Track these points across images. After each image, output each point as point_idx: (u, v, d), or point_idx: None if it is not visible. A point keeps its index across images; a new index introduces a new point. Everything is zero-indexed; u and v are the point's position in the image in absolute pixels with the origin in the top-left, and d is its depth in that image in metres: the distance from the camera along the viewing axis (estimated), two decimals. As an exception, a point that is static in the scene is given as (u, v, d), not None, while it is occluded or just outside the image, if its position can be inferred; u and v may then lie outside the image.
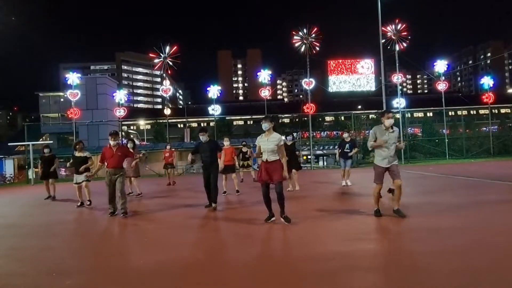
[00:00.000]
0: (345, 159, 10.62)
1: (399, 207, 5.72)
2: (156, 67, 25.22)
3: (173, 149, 15.46)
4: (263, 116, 5.81)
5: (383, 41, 23.99)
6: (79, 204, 8.70)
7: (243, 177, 13.42)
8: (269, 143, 5.57)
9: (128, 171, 10.31)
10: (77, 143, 8.97)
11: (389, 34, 24.21)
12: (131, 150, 10.19)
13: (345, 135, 11.10)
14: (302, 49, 24.23)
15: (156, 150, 28.16)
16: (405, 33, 24.43)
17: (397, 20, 24.47)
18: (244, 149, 13.35)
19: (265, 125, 5.65)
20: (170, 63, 24.50)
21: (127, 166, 8.86)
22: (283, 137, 5.62)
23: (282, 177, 5.56)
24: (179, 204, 8.64)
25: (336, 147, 13.08)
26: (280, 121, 50.59)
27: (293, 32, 24.38)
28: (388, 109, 5.90)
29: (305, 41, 24.07)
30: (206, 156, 7.37)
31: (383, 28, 24.07)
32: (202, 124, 59.40)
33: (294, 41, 24.30)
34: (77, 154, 8.71)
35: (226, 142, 10.11)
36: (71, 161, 9.16)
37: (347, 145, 10.60)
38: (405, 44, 24.41)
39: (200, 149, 7.52)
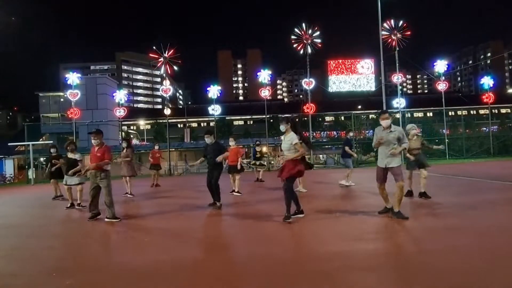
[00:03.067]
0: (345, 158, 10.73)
1: (400, 210, 5.62)
2: (156, 67, 25.20)
3: (161, 150, 15.17)
4: (280, 119, 6.03)
5: (384, 35, 23.94)
6: (68, 205, 8.54)
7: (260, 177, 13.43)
8: (284, 143, 5.84)
9: (122, 170, 10.33)
10: (68, 144, 8.75)
11: (389, 34, 24.21)
12: (124, 151, 10.24)
13: (351, 134, 11.29)
14: (302, 48, 24.21)
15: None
16: (406, 33, 24.45)
17: (397, 21, 24.48)
18: (258, 148, 13.40)
19: (282, 127, 5.90)
20: (170, 63, 24.50)
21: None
22: (297, 136, 5.81)
23: (287, 173, 5.66)
24: (178, 205, 8.63)
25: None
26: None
27: (293, 35, 24.33)
28: (385, 110, 6.03)
29: (305, 40, 24.06)
30: (210, 157, 7.61)
31: (383, 28, 24.07)
32: (202, 124, 59.59)
33: (293, 42, 24.28)
34: (69, 155, 8.60)
35: (232, 142, 10.13)
36: (63, 161, 9.12)
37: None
38: (405, 44, 24.43)
39: (206, 150, 7.82)
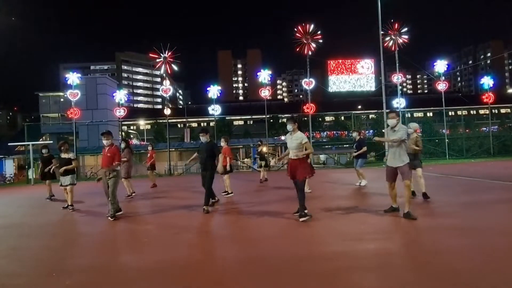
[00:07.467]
0: (356, 158, 10.81)
1: (409, 210, 5.63)
2: (156, 67, 25.16)
3: (155, 150, 14.84)
4: (287, 119, 6.34)
5: (383, 35, 23.90)
6: (65, 206, 8.53)
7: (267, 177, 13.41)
8: (292, 141, 5.94)
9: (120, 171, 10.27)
10: (61, 144, 8.73)
11: (389, 34, 24.19)
12: (123, 151, 10.19)
13: (354, 134, 11.30)
14: (302, 48, 24.17)
15: (156, 150, 28.11)
16: (405, 33, 24.44)
17: (397, 22, 24.47)
18: (258, 149, 13.34)
19: (289, 127, 6.08)
20: (170, 63, 24.48)
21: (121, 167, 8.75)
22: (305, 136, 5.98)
23: (303, 175, 5.82)
24: (177, 205, 8.63)
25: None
26: (280, 121, 50.62)
27: (294, 35, 24.27)
28: (391, 110, 6.18)
29: (305, 40, 24.03)
30: (201, 157, 7.48)
31: (383, 28, 24.06)
32: (202, 124, 59.61)
33: (293, 42, 24.25)
34: (62, 155, 8.56)
35: (223, 143, 9.82)
36: (57, 162, 9.14)
37: (354, 145, 10.91)
38: (405, 44, 24.40)
39: (200, 149, 7.66)
